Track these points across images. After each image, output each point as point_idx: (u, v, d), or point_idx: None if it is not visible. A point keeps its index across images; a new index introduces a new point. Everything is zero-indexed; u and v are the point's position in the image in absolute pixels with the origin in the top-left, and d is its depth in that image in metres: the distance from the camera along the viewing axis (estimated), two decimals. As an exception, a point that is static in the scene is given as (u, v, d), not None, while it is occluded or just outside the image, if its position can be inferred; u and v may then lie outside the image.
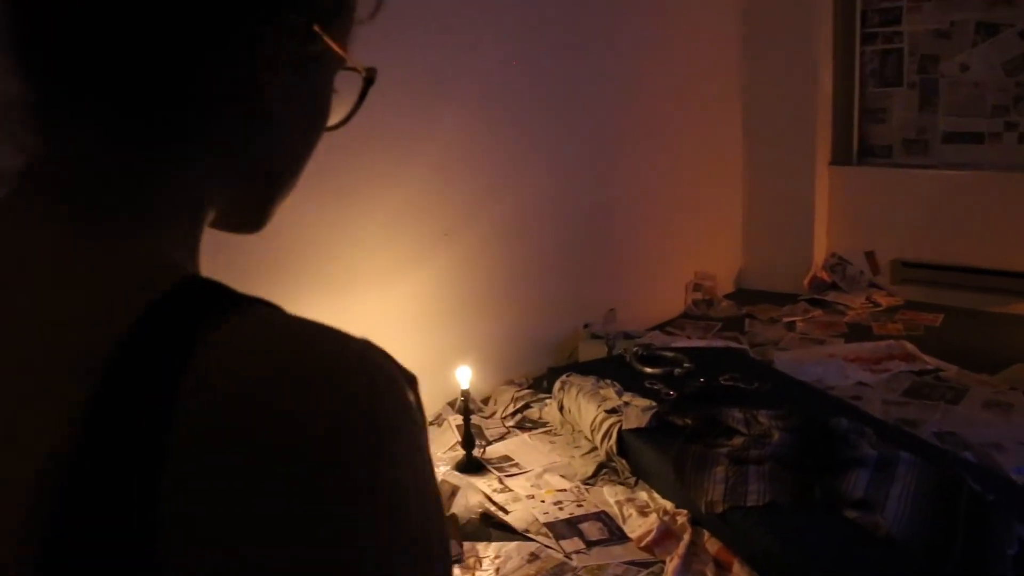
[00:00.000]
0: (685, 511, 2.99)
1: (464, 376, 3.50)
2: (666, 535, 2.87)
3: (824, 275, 5.82)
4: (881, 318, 5.25)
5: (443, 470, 3.31)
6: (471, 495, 3.20)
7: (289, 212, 3.36)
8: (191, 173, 0.64)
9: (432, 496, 0.56)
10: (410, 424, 0.56)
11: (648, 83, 5.20)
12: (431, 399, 4.00)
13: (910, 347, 4.55)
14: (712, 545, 2.80)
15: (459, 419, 3.90)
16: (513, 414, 4.02)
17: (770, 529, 2.62)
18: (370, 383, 0.56)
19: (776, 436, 3.09)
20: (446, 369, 3.92)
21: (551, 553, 2.90)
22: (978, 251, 5.35)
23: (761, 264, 6.07)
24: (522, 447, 3.71)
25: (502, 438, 3.81)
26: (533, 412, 4.03)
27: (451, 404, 4.12)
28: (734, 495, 2.79)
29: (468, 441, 3.51)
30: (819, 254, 5.91)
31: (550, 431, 3.86)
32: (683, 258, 5.70)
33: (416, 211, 3.90)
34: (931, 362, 4.37)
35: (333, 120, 0.77)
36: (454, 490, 3.12)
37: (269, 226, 3.35)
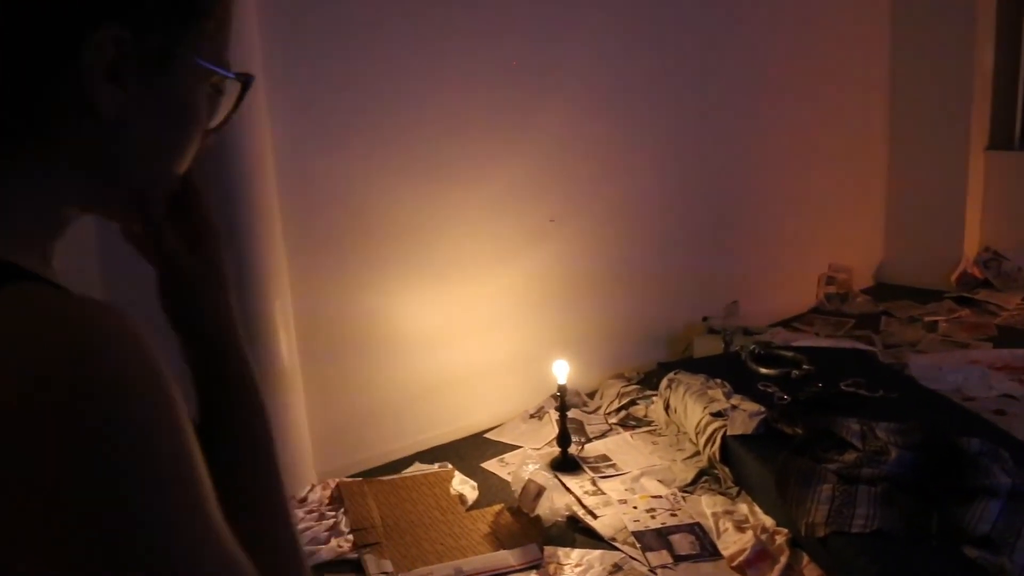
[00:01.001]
0: (785, 530, 2.75)
1: (561, 370, 3.34)
2: (761, 556, 2.65)
3: (975, 271, 5.33)
4: (1039, 321, 4.77)
5: (532, 468, 3.18)
6: (558, 497, 3.05)
7: (384, 197, 3.32)
8: (40, 178, 0.67)
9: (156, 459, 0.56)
10: (129, 393, 0.56)
11: (785, 60, 4.86)
12: (535, 391, 3.86)
13: (1070, 356, 4.09)
14: (811, 572, 2.56)
15: (570, 414, 3.76)
16: (618, 411, 3.84)
17: (876, 561, 2.36)
18: (96, 349, 0.56)
19: (893, 454, 2.79)
20: (551, 360, 3.79)
21: (635, 566, 2.73)
22: None
23: (904, 257, 5.62)
24: (622, 446, 3.53)
25: (603, 435, 3.65)
26: (639, 409, 3.84)
27: (555, 397, 3.97)
28: (839, 518, 2.54)
29: (564, 438, 3.36)
30: (970, 248, 5.41)
31: (654, 431, 3.66)
32: (817, 248, 5.34)
33: (521, 196, 3.76)
34: (1093, 375, 3.91)
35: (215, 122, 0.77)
36: (540, 491, 2.98)
37: (364, 211, 3.31)
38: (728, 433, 3.16)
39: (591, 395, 4.05)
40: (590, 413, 3.85)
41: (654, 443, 3.54)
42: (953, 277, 5.31)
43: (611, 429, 3.70)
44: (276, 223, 3.07)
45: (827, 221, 5.30)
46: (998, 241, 5.37)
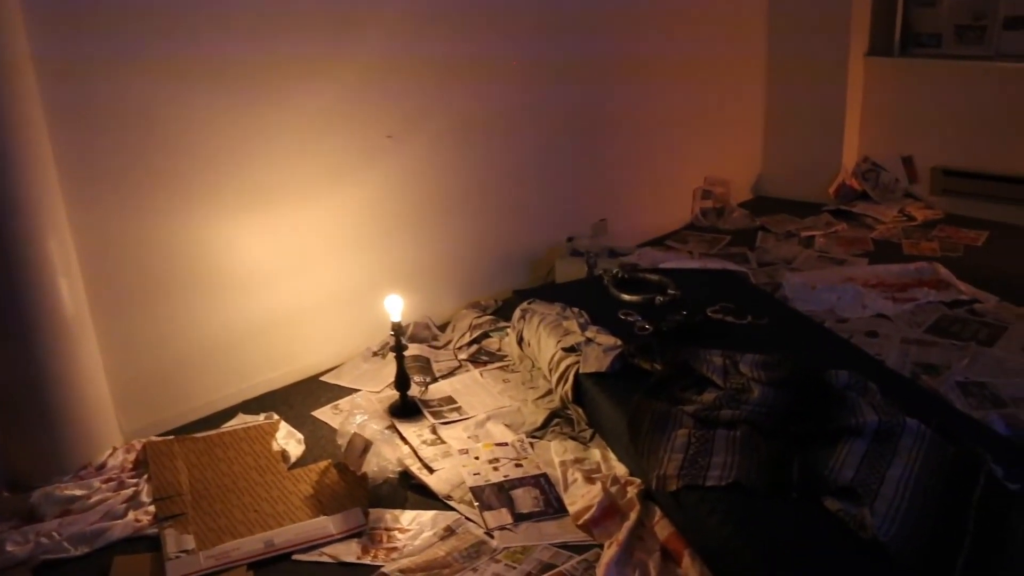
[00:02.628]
0: (638, 481, 2.47)
1: (394, 306, 2.95)
2: (608, 512, 2.35)
3: (854, 183, 5.13)
4: (914, 235, 4.59)
5: (359, 420, 2.81)
6: (391, 450, 2.70)
7: (184, 112, 2.61)
8: None
9: None
10: None
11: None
12: (380, 326, 3.43)
13: (943, 271, 3.91)
14: (662, 529, 2.28)
15: (412, 349, 3.41)
16: (469, 344, 3.49)
17: (730, 518, 2.08)
18: None
19: (756, 392, 2.52)
20: (397, 291, 3.41)
21: (470, 527, 2.41)
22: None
23: (783, 169, 5.38)
24: (470, 387, 3.19)
25: (452, 373, 3.30)
26: (492, 342, 3.50)
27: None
28: (692, 470, 2.25)
29: (402, 381, 3.00)
30: (849, 158, 5.20)
31: (507, 366, 3.33)
32: (693, 161, 5.03)
33: (353, 109, 3.29)
34: (966, 291, 3.74)
35: None
36: (366, 446, 2.61)
37: (159, 129, 2.74)
38: (581, 371, 2.84)
39: (444, 327, 3.69)
40: (439, 348, 3.50)
41: (505, 381, 3.21)
42: (831, 189, 5.10)
43: (460, 366, 3.35)
44: (44, 147, 2.56)
45: (703, 132, 5.00)
46: (877, 151, 5.17)
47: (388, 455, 2.66)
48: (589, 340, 2.97)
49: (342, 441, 2.73)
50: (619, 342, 2.91)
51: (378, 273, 3.49)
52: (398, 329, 2.95)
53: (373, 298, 3.34)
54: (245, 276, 3.13)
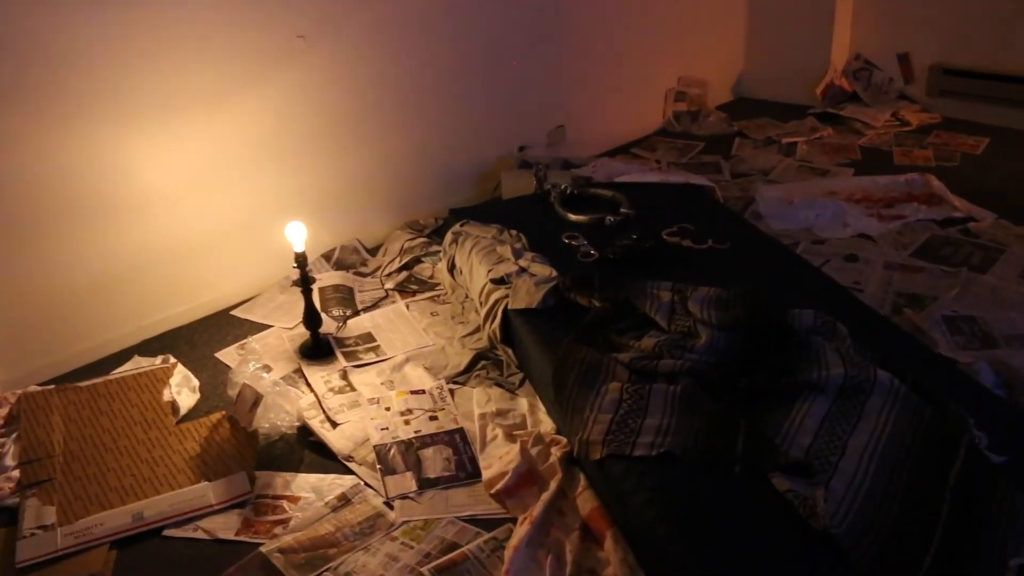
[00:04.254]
0: (564, 441, 2.13)
1: (296, 235, 2.56)
2: (525, 481, 2.02)
3: (844, 83, 4.65)
4: (907, 141, 4.15)
5: (252, 367, 2.45)
6: (287, 403, 2.36)
7: (58, 18, 1.99)
8: None
9: None
10: None
11: None
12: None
13: (936, 184, 3.50)
14: (585, 502, 1.95)
15: (333, 278, 3.05)
16: (399, 271, 3.12)
17: (657, 497, 1.74)
18: None
19: (704, 337, 2.16)
20: (321, 211, 3.04)
21: (368, 496, 2.09)
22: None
23: (767, 67, 4.90)
24: (394, 321, 2.83)
25: (376, 305, 2.93)
26: (425, 268, 3.13)
27: (327, 256, 3.22)
28: (620, 435, 1.90)
29: (311, 319, 2.63)
30: (839, 55, 4.71)
31: (438, 296, 2.96)
32: (666, 58, 4.55)
33: (257, 4, 2.84)
34: (960, 207, 3.34)
35: None
36: (256, 400, 2.27)
37: (20, 34, 2.07)
38: (509, 306, 2.48)
39: (376, 251, 3.31)
40: (367, 275, 3.12)
41: (434, 314, 2.85)
42: (819, 90, 4.63)
43: (387, 296, 2.98)
44: None
45: (678, 26, 4.50)
46: (870, 47, 4.67)
47: (287, 408, 2.32)
48: (522, 270, 2.59)
49: (232, 392, 2.38)
50: (554, 273, 2.53)
51: (297, 192, 3.09)
52: (302, 261, 2.56)
53: (291, 221, 2.96)
54: (140, 199, 2.73)
